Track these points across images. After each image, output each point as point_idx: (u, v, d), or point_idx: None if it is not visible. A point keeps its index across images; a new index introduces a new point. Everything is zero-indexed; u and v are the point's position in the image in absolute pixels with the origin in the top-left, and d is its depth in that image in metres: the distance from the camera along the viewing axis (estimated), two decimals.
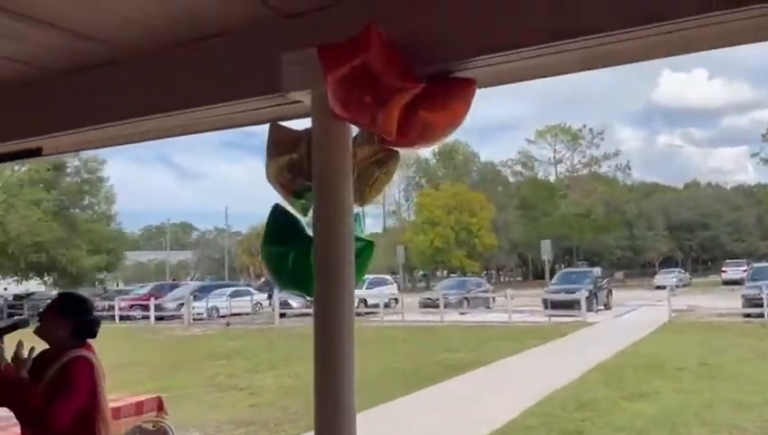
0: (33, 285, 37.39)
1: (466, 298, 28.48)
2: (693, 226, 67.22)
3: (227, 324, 25.14)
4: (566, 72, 1.95)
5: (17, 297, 32.87)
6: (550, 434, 7.65)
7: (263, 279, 41.97)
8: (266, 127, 2.05)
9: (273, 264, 2.04)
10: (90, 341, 2.66)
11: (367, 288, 29.83)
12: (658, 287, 37.20)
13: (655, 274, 51.08)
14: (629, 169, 68.43)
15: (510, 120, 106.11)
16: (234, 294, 31.32)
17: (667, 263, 63.18)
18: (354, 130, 1.86)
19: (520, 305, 24.68)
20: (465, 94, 1.72)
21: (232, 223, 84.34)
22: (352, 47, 1.60)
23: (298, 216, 2.05)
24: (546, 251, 35.77)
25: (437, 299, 25.73)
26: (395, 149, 1.94)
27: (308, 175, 1.88)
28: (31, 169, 33.79)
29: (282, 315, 25.82)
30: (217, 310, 29.25)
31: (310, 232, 1.90)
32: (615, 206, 62.40)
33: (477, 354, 14.27)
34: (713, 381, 10.32)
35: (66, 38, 2.00)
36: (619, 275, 55.92)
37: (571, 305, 23.13)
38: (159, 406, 4.94)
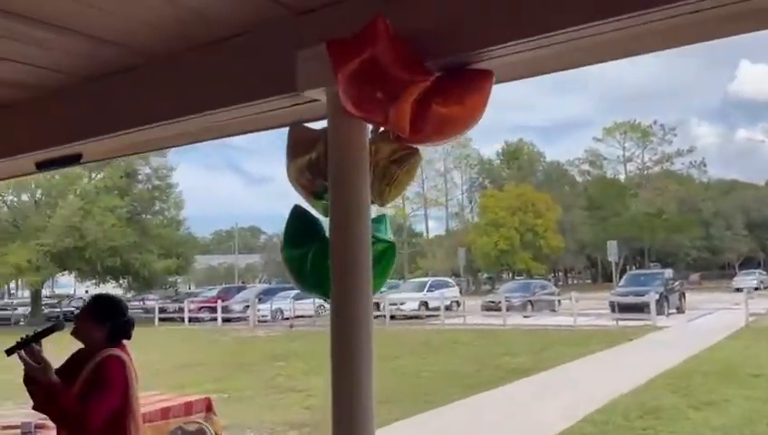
0: (110, 289, 38.92)
1: (530, 301, 27.91)
2: None
3: (290, 326, 25.53)
4: (595, 62, 1.84)
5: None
6: None
7: None
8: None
9: (294, 267, 2.01)
10: (125, 341, 2.68)
11: (428, 291, 29.69)
12: (738, 290, 35.10)
13: (734, 275, 48.55)
14: (705, 165, 65.75)
15: (576, 118, 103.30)
16: (297, 297, 31.68)
17: (748, 264, 60.06)
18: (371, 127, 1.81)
19: (586, 308, 24.02)
20: (482, 87, 1.63)
21: None
22: (359, 41, 1.55)
23: (319, 217, 2.01)
24: (612, 252, 34.50)
25: (500, 302, 25.30)
26: (414, 146, 1.88)
27: (326, 175, 1.84)
28: (105, 176, 35.22)
29: None
30: (281, 312, 29.75)
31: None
32: (690, 204, 59.86)
33: (539, 358, 13.95)
34: None
35: (91, 45, 2.04)
36: (694, 277, 53.73)
37: (639, 309, 22.28)
38: (208, 407, 5.01)
